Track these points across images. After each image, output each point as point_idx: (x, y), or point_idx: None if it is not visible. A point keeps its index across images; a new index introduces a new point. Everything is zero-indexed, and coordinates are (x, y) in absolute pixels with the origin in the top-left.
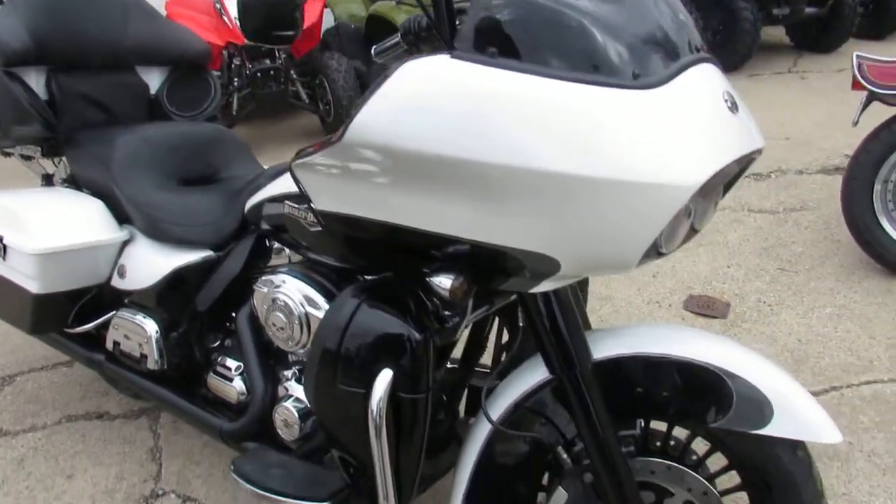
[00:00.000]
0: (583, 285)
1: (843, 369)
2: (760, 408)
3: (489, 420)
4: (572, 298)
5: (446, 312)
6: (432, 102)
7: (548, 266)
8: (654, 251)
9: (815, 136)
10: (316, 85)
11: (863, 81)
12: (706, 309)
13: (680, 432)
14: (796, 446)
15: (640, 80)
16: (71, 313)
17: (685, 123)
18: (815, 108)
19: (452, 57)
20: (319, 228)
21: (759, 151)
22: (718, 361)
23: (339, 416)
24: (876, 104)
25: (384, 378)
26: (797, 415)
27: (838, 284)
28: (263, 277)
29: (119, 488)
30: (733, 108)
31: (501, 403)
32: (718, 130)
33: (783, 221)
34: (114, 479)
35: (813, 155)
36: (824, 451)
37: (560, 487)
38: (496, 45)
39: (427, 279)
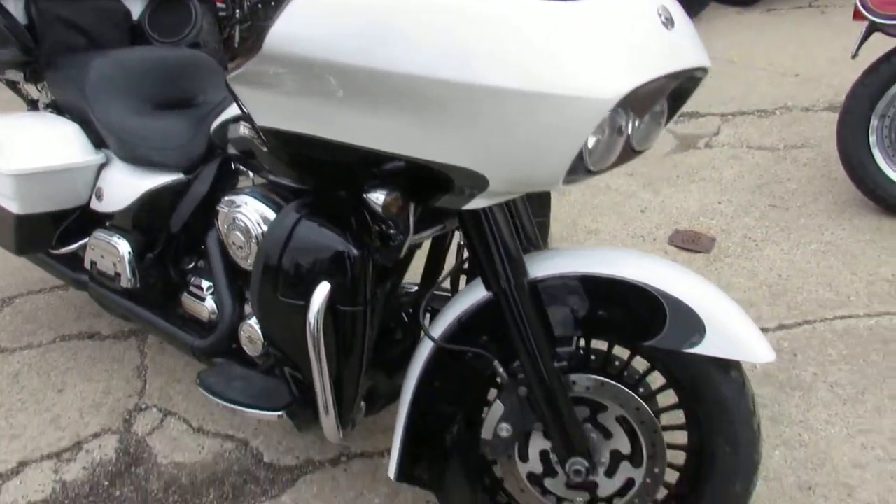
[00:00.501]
0: (539, 207)
1: (820, 304)
2: (693, 327)
3: (429, 336)
4: (516, 217)
5: (391, 231)
6: (342, 11)
7: (476, 182)
8: (583, 168)
9: (826, 72)
10: None
11: (863, 10)
12: (690, 244)
13: (622, 352)
14: (729, 366)
15: None
16: (54, 235)
17: (606, 36)
18: (831, 44)
19: None
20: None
21: (702, 70)
22: (653, 281)
23: (282, 328)
24: (878, 36)
25: (322, 291)
26: (729, 335)
27: (828, 221)
28: (226, 198)
29: (105, 402)
30: (668, 23)
31: (444, 321)
32: (645, 45)
33: (782, 158)
34: (101, 394)
35: (822, 92)
36: (787, 381)
37: (498, 401)
38: None
39: (363, 195)
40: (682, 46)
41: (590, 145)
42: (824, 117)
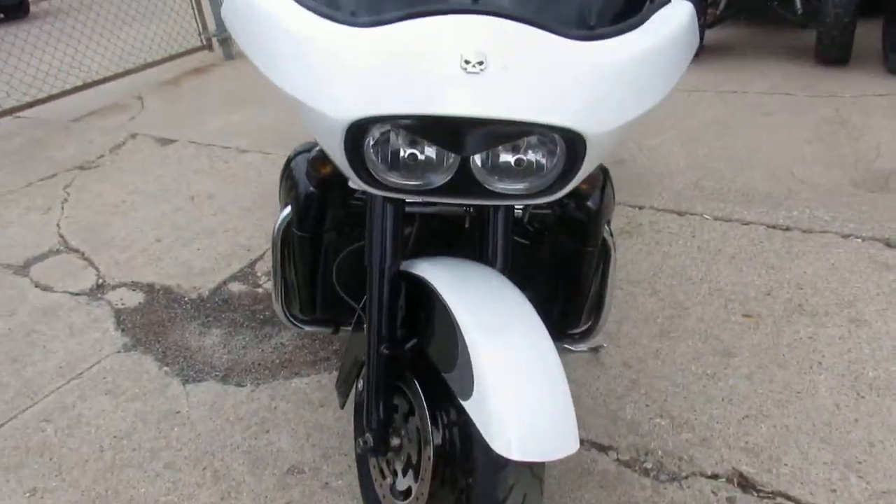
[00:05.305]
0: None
1: None
2: (466, 382)
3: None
4: (487, 233)
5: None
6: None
7: None
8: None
9: None
10: None
11: None
12: None
13: None
14: (488, 448)
15: (353, 16)
16: None
17: (373, 64)
18: None
19: None
20: None
21: (527, 125)
22: (466, 318)
23: None
24: None
25: (284, 212)
26: (485, 409)
27: None
28: None
29: None
30: (478, 66)
31: None
32: (424, 80)
33: None
34: None
35: None
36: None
37: None
38: None
39: None
40: (491, 93)
41: (402, 154)
42: None
